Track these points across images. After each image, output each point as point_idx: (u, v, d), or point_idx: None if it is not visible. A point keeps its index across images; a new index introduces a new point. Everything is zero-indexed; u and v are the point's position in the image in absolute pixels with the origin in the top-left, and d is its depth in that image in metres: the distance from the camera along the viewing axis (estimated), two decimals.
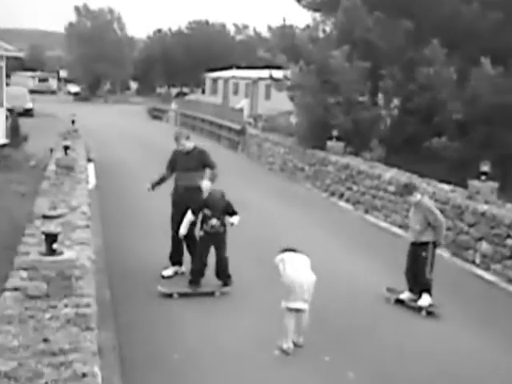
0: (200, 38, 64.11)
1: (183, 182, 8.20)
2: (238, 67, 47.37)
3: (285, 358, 6.14)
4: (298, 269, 6.29)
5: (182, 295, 7.67)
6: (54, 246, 4.79)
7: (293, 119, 20.21)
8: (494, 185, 10.32)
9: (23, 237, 6.11)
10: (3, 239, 8.83)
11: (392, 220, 12.37)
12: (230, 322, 6.98)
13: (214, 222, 7.66)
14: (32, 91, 46.39)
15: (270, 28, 25.53)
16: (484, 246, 9.56)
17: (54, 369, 3.58)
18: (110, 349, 5.74)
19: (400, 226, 11.82)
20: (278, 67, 19.35)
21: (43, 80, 69.45)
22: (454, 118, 15.28)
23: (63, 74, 74.55)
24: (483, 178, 10.26)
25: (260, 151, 21.50)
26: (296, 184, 17.07)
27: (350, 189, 14.42)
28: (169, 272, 8.29)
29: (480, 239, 9.67)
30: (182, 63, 62.69)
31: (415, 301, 7.65)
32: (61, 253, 4.84)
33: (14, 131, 20.86)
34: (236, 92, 40.54)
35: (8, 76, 27.30)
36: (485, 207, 9.75)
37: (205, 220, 7.73)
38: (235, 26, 73.42)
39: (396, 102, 17.60)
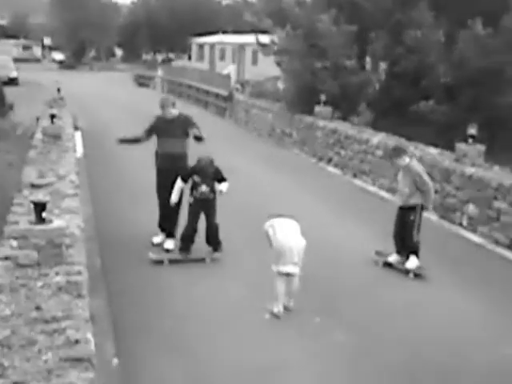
0: (185, 1, 63.14)
1: (168, 149, 8.05)
2: (225, 32, 46.84)
3: (275, 321, 6.24)
4: (287, 233, 6.34)
5: (173, 262, 7.72)
6: (43, 214, 4.80)
7: (280, 84, 20.10)
8: (481, 148, 10.38)
9: (12, 206, 6.10)
10: None
11: (380, 184, 12.44)
12: (221, 288, 7.05)
13: (204, 188, 7.68)
14: (16, 59, 45.70)
15: None
16: (471, 208, 9.66)
17: (47, 336, 3.63)
18: (102, 315, 5.79)
19: (388, 190, 11.90)
20: (265, 32, 19.16)
21: (27, 48, 68.36)
22: (441, 82, 15.27)
23: (47, 41, 73.31)
24: (470, 140, 10.31)
25: (247, 117, 21.42)
26: (284, 149, 17.07)
27: (338, 153, 14.44)
28: (158, 239, 8.30)
29: (467, 202, 9.76)
30: (167, 29, 61.79)
31: (403, 263, 7.76)
32: (50, 221, 4.86)
33: None
34: (222, 57, 40.20)
35: None
36: (472, 170, 9.82)
37: (194, 187, 7.74)
38: None
39: (383, 65, 17.54)
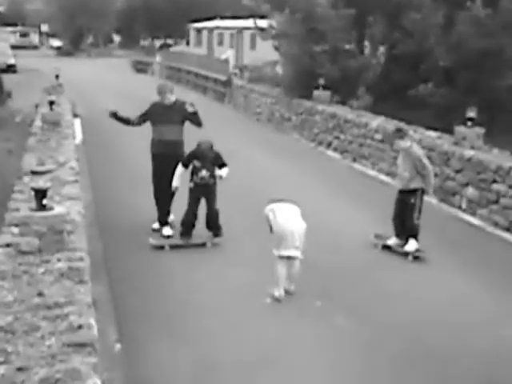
0: None
1: (164, 136, 8.01)
2: (223, 17, 46.57)
3: (276, 305, 6.28)
4: (288, 217, 6.37)
5: (174, 247, 7.76)
6: (44, 201, 4.82)
7: (279, 69, 20.03)
8: (480, 130, 10.37)
9: (12, 193, 6.13)
10: None
11: (379, 168, 12.45)
12: (222, 272, 7.09)
13: (204, 173, 7.69)
14: (14, 46, 45.48)
15: None
16: (470, 191, 9.67)
17: (49, 322, 3.66)
18: (103, 301, 5.83)
19: (387, 174, 11.92)
20: (263, 17, 19.07)
21: (24, 35, 67.94)
22: (440, 65, 15.23)
23: (44, 28, 72.92)
24: (469, 123, 10.30)
25: (246, 102, 21.37)
26: (283, 134, 17.05)
27: (337, 138, 14.43)
28: (157, 225, 8.32)
29: (466, 185, 9.78)
30: (165, 14, 61.33)
31: (402, 246, 7.79)
32: (51, 208, 4.88)
33: None
34: (221, 43, 40.01)
35: None
36: (471, 153, 9.82)
37: (195, 172, 7.75)
38: None
39: (382, 49, 17.48)
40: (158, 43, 62.82)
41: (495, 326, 6.05)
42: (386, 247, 7.92)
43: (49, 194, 5.29)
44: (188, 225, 7.85)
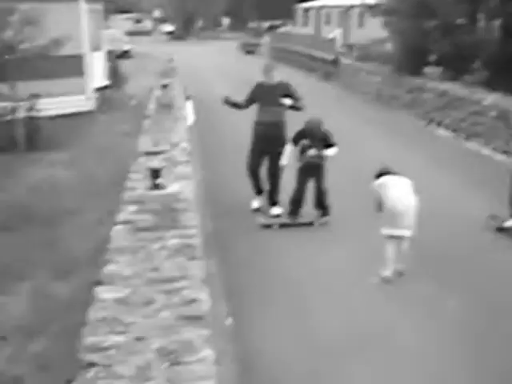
0: None
1: (267, 117, 8.04)
2: None
3: (384, 286, 6.21)
4: (400, 193, 6.14)
5: (282, 226, 7.84)
6: (159, 180, 5.02)
7: (388, 47, 19.55)
8: None
9: (129, 173, 6.41)
10: (111, 176, 9.30)
11: (494, 146, 11.90)
12: (329, 251, 7.10)
13: (313, 152, 7.67)
14: (128, 33, 47.24)
15: None
16: None
17: (164, 295, 3.79)
18: (214, 277, 6.01)
19: (503, 152, 11.37)
20: None
21: (138, 21, 70.34)
22: None
23: (157, 14, 75.15)
24: None
25: (354, 81, 21.03)
26: (392, 113, 16.66)
27: (448, 115, 13.92)
28: (256, 204, 8.43)
29: None
30: None
31: None
32: (165, 187, 5.07)
33: (114, 73, 21.51)
34: (328, 22, 39.46)
35: (105, 19, 27.97)
36: None
37: (303, 150, 7.75)
38: None
39: (497, 23, 16.57)
40: (265, 25, 63.04)
41: None
42: (502, 229, 7.59)
43: (163, 173, 5.52)
44: (296, 204, 7.90)
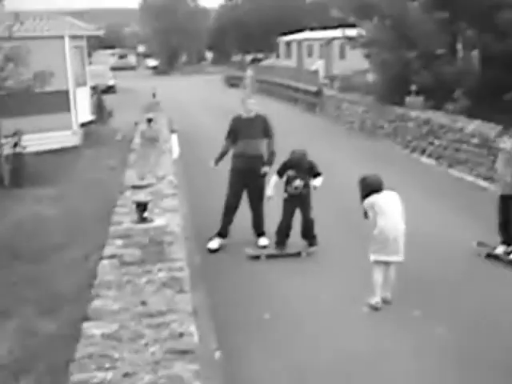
0: (271, 2, 63.38)
1: (246, 150, 8.01)
2: (311, 29, 46.66)
3: (373, 314, 6.20)
4: (390, 218, 6.13)
5: (269, 257, 7.83)
6: (145, 214, 5.02)
7: (369, 77, 19.84)
8: None
9: (115, 207, 6.40)
10: (98, 211, 9.28)
11: (477, 173, 12.03)
12: (317, 281, 7.08)
13: (298, 182, 7.72)
14: (113, 68, 47.59)
15: None
16: None
17: (153, 329, 3.77)
18: (202, 310, 5.97)
19: (486, 179, 11.49)
20: (352, 25, 18.96)
21: (122, 56, 70.98)
22: None
23: (141, 49, 75.88)
24: None
25: (338, 111, 21.27)
26: (376, 142, 16.82)
27: (431, 143, 14.09)
28: (216, 243, 8.19)
29: None
30: (254, 29, 62.29)
31: (509, 254, 7.46)
32: (151, 220, 5.07)
33: (99, 108, 21.64)
34: (310, 54, 40.03)
35: (89, 55, 28.25)
36: None
37: (289, 181, 7.79)
38: None
39: (475, 52, 16.89)
40: (248, 58, 63.80)
41: None
42: (490, 256, 7.60)
43: (149, 207, 5.52)
44: (283, 234, 7.91)
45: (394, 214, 6.20)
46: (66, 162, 14.36)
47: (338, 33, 24.04)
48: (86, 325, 3.80)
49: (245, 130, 8.06)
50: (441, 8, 15.49)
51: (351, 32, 19.38)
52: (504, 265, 7.40)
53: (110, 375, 3.25)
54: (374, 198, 6.25)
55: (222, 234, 8.22)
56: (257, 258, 7.84)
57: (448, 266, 7.44)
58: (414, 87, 15.28)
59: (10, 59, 12.87)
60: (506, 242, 7.56)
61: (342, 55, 32.94)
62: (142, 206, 5.14)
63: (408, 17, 15.51)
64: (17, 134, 12.63)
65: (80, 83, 18.69)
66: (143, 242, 5.06)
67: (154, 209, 6.06)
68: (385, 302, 6.32)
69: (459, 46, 17.08)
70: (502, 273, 7.27)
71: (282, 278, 7.25)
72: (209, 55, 75.49)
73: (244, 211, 8.35)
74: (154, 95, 18.79)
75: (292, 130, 18.06)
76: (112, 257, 4.94)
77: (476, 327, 5.93)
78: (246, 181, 8.08)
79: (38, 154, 13.67)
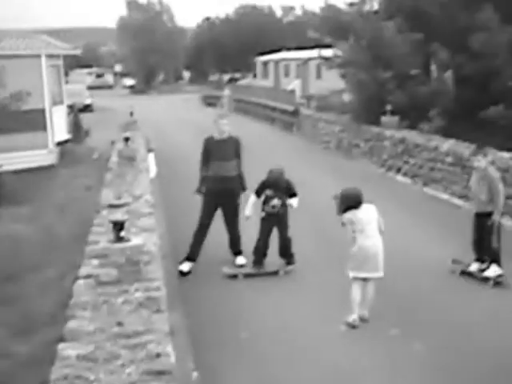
0: (248, 22, 64.02)
1: (221, 172, 8.00)
2: (288, 49, 47.13)
3: (351, 332, 6.21)
4: (368, 235, 6.20)
5: (247, 276, 7.83)
6: (122, 233, 4.99)
7: (345, 97, 20.05)
8: None
9: (92, 226, 6.35)
10: (73, 230, 9.20)
11: (452, 191, 12.19)
12: (295, 300, 7.09)
13: (275, 202, 7.75)
14: (90, 87, 47.51)
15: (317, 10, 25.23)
16: None
17: (129, 350, 3.73)
18: (180, 330, 5.93)
19: (461, 197, 11.64)
20: (328, 46, 19.19)
21: (99, 76, 70.99)
22: (510, 85, 14.82)
23: (118, 68, 75.90)
24: None
25: (315, 131, 21.43)
26: (352, 161, 16.98)
27: (407, 162, 14.26)
28: (185, 267, 8.07)
29: None
30: (232, 49, 62.84)
31: (482, 271, 7.55)
32: (128, 240, 5.04)
33: (75, 127, 21.53)
34: (287, 74, 40.40)
35: (66, 74, 28.17)
36: None
37: (266, 201, 7.82)
38: (282, 8, 73.19)
39: (449, 73, 17.19)
40: (225, 77, 64.14)
41: None
42: (465, 273, 7.70)
43: (126, 226, 5.48)
44: (260, 253, 7.92)
45: (373, 230, 6.27)
46: (43, 181, 14.25)
47: (314, 53, 24.28)
48: (61, 346, 3.74)
49: (217, 151, 8.03)
50: (415, 29, 15.78)
51: (327, 52, 19.60)
52: (478, 282, 7.49)
53: None
54: (352, 215, 6.31)
55: (191, 258, 8.14)
56: (234, 276, 7.82)
57: (423, 283, 7.50)
58: (389, 107, 15.48)
59: None
60: (479, 260, 7.67)
61: (319, 75, 33.28)
62: (118, 226, 5.12)
63: (383, 38, 15.78)
64: None
65: (57, 102, 18.62)
66: (120, 262, 5.02)
67: (131, 228, 6.02)
68: (362, 319, 6.35)
69: (433, 67, 17.38)
70: (475, 289, 7.36)
71: (260, 296, 7.24)
72: (186, 74, 75.78)
73: (221, 229, 8.36)
74: (131, 114, 18.77)
75: (269, 149, 18.16)
76: (88, 277, 4.87)
77: (452, 343, 5.98)
78: (220, 201, 8.09)
79: (14, 172, 13.54)
